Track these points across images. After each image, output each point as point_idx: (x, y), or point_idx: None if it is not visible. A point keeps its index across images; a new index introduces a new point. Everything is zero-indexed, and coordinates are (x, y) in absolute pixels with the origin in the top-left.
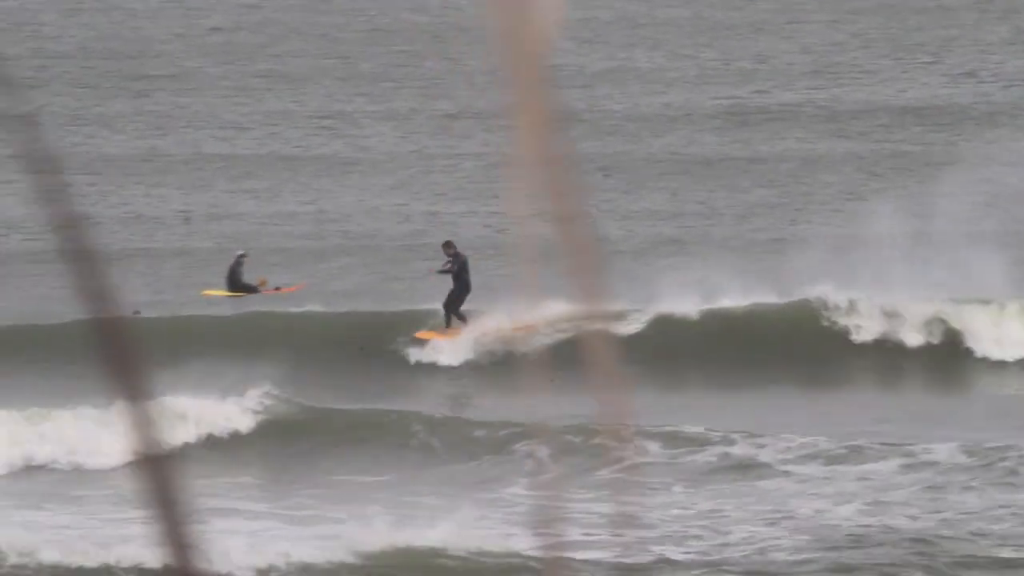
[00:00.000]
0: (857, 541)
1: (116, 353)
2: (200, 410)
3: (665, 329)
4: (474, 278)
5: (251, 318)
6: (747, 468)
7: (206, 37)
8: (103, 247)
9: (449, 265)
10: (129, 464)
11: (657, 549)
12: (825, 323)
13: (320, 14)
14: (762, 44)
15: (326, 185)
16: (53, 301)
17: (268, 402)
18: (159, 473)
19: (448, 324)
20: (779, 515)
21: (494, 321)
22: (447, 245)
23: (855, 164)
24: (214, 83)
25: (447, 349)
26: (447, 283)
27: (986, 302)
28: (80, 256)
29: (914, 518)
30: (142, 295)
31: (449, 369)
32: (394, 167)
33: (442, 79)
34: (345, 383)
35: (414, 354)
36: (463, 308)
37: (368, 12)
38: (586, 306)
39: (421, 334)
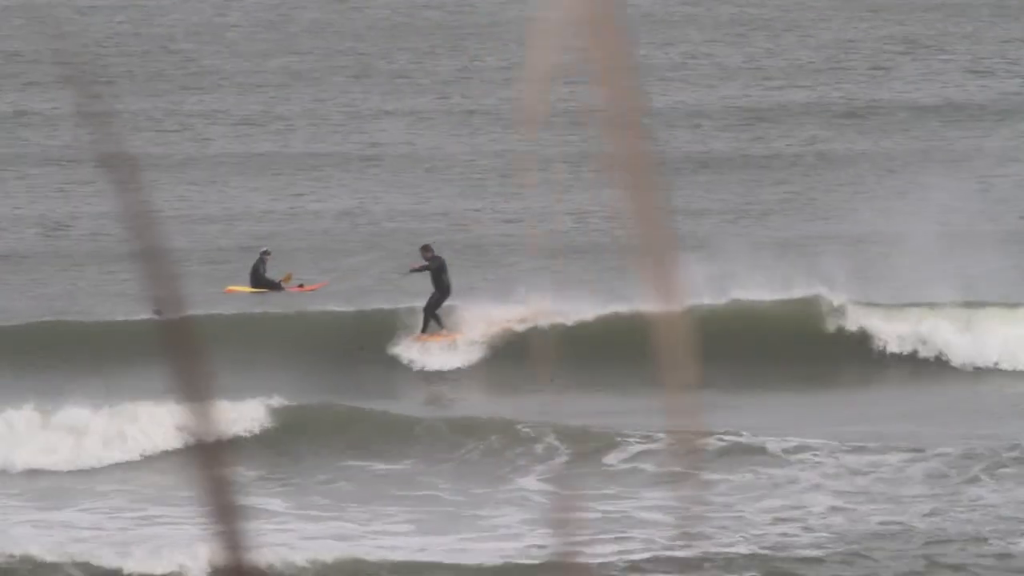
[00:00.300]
0: (875, 538)
1: (178, 351)
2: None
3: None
4: (498, 275)
5: (259, 317)
6: (758, 465)
7: (224, 33)
8: (168, 245)
9: (425, 264)
10: (161, 461)
11: (672, 546)
12: (833, 323)
13: (336, 13)
14: (778, 41)
15: (345, 182)
16: (65, 299)
17: (276, 402)
18: (214, 471)
19: (441, 326)
20: (796, 512)
21: (490, 318)
22: (425, 248)
23: (872, 161)
24: (231, 80)
25: (444, 350)
26: (429, 285)
27: (1000, 304)
28: (147, 254)
29: (930, 515)
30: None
31: (454, 368)
32: (411, 164)
33: (459, 76)
34: (349, 382)
35: (414, 357)
36: (437, 311)
37: (385, 8)
38: (661, 303)
39: (420, 337)
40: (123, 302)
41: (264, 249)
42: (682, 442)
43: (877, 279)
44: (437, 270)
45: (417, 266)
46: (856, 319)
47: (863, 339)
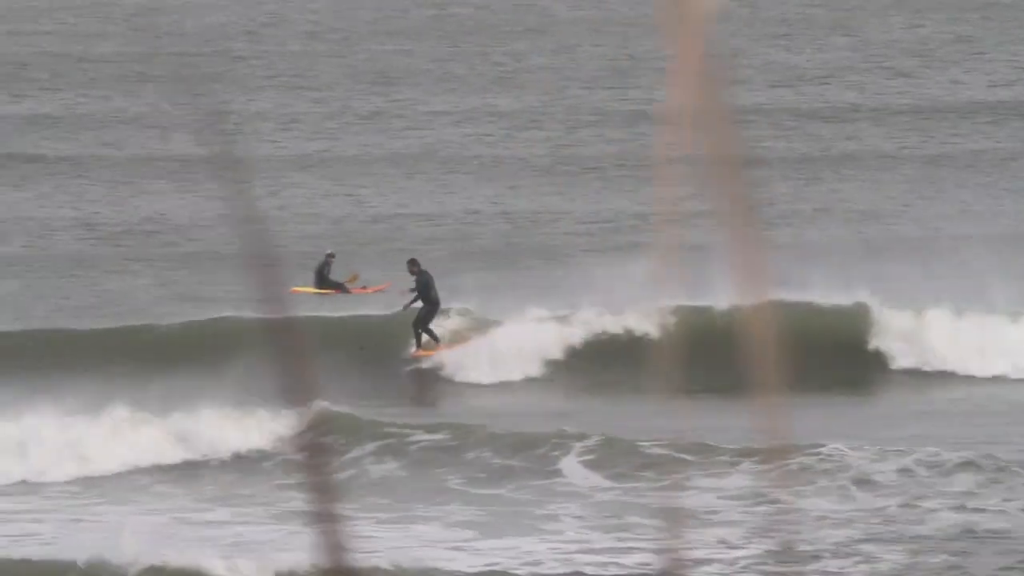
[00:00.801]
0: (924, 539)
1: (286, 353)
2: (259, 416)
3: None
4: (551, 279)
5: (300, 320)
6: (813, 468)
7: (276, 33)
8: (276, 250)
9: (414, 290)
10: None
11: (711, 553)
12: (866, 332)
13: (391, 12)
14: (824, 41)
15: (401, 182)
16: (123, 302)
17: (317, 410)
18: (318, 474)
19: (436, 340)
20: (853, 518)
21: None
22: (412, 263)
23: (916, 164)
24: (283, 82)
25: (471, 362)
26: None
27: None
28: (256, 258)
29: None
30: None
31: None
32: (465, 164)
33: (510, 75)
34: (388, 387)
35: (455, 364)
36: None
37: (435, 8)
38: (752, 304)
39: (415, 354)
40: (177, 304)
41: (329, 251)
42: (770, 449)
43: (924, 281)
44: (425, 286)
45: (409, 299)
46: (900, 323)
47: (905, 344)
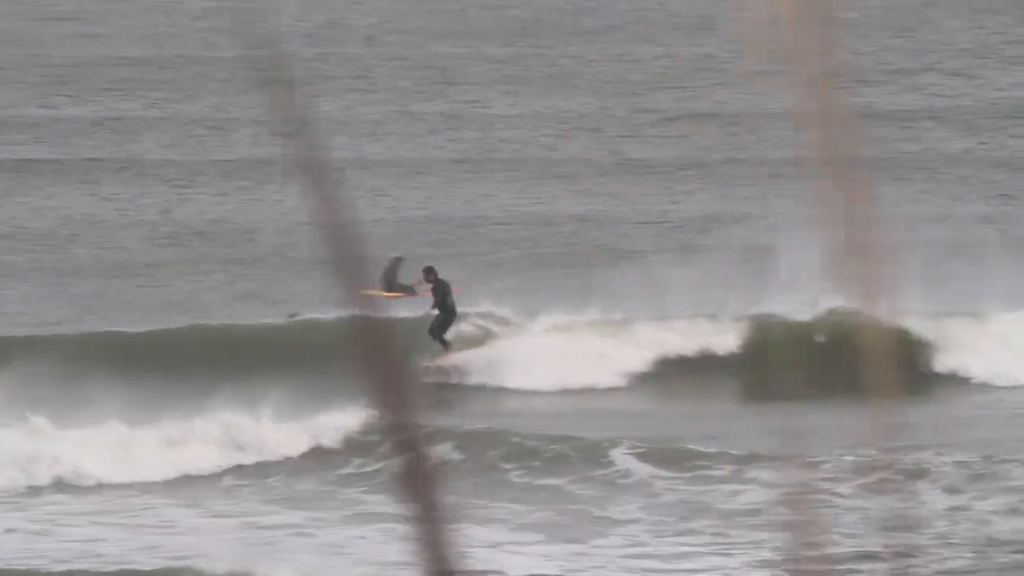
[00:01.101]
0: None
1: (374, 355)
2: (324, 418)
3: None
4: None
5: (333, 323)
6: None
7: (342, 34)
8: (365, 252)
9: (433, 298)
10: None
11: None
12: (925, 336)
13: (450, 14)
14: (891, 42)
15: (467, 185)
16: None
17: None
18: (418, 474)
19: (446, 349)
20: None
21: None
22: (428, 271)
23: (978, 166)
24: (343, 84)
25: (527, 369)
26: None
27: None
28: (344, 260)
29: None
30: (305, 300)
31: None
32: (529, 166)
33: (573, 77)
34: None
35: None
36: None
37: (506, 8)
38: (868, 311)
39: (431, 361)
40: (242, 306)
41: (396, 255)
42: (879, 456)
43: (986, 285)
44: (441, 295)
45: (434, 307)
46: (961, 327)
47: (965, 348)
